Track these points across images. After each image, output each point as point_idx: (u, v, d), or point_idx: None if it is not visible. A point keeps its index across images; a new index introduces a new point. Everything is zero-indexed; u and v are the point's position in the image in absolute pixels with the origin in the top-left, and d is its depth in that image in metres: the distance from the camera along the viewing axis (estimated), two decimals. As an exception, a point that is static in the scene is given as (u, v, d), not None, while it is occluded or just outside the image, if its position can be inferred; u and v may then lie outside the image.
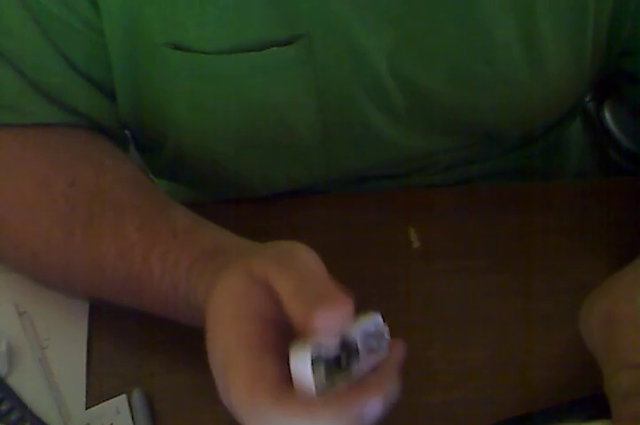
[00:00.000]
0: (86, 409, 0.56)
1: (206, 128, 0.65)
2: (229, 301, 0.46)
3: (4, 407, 0.56)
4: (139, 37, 0.60)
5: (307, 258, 0.47)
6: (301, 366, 0.42)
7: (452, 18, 0.61)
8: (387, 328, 0.45)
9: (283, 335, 0.45)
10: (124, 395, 0.56)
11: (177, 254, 0.53)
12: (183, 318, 0.54)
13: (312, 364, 0.42)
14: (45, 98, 0.62)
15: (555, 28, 0.63)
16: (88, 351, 0.59)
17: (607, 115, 0.94)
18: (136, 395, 0.56)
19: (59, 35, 0.60)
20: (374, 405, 0.43)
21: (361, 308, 0.46)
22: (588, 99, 0.92)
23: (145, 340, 0.59)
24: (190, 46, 0.60)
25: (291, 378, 0.43)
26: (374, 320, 0.45)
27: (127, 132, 0.72)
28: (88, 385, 0.57)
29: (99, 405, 0.56)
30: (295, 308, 0.44)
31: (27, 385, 0.57)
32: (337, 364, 0.43)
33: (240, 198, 0.71)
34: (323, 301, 0.43)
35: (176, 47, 0.60)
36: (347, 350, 0.44)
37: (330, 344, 0.43)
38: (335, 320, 0.43)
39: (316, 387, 0.42)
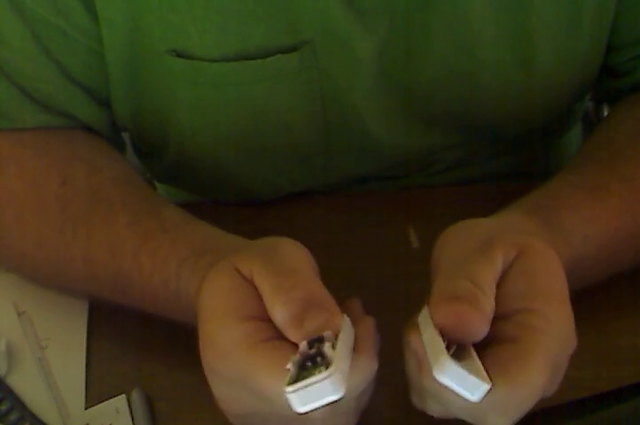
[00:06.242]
0: (85, 409, 0.56)
1: (208, 135, 0.65)
2: (220, 300, 0.46)
3: (4, 407, 0.55)
4: (140, 45, 0.60)
5: (290, 253, 0.47)
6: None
7: (440, 17, 0.61)
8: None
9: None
10: (124, 395, 0.56)
11: (167, 250, 0.53)
12: (173, 314, 0.54)
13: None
14: (36, 105, 0.62)
15: (548, 24, 0.62)
16: (87, 350, 0.59)
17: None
18: (136, 395, 0.56)
19: (54, 43, 0.60)
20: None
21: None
22: (587, 99, 0.92)
23: (145, 340, 0.59)
24: (192, 53, 0.59)
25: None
26: None
27: (126, 134, 0.72)
28: (87, 385, 0.57)
29: (99, 405, 0.56)
30: (274, 307, 0.44)
31: (27, 385, 0.57)
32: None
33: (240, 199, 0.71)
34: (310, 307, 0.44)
35: (178, 54, 0.60)
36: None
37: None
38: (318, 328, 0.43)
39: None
